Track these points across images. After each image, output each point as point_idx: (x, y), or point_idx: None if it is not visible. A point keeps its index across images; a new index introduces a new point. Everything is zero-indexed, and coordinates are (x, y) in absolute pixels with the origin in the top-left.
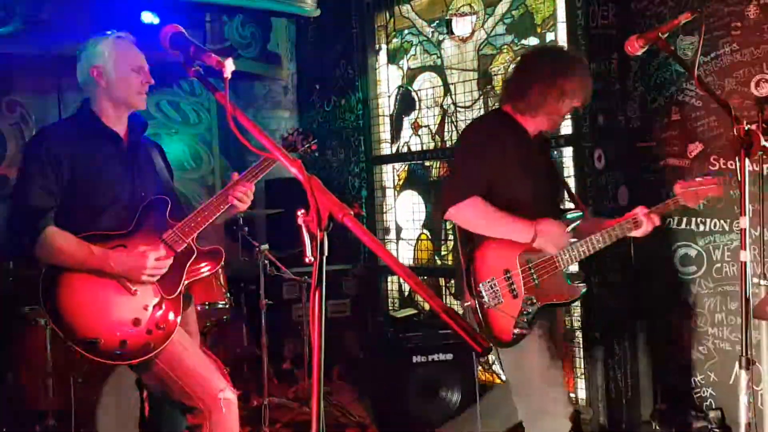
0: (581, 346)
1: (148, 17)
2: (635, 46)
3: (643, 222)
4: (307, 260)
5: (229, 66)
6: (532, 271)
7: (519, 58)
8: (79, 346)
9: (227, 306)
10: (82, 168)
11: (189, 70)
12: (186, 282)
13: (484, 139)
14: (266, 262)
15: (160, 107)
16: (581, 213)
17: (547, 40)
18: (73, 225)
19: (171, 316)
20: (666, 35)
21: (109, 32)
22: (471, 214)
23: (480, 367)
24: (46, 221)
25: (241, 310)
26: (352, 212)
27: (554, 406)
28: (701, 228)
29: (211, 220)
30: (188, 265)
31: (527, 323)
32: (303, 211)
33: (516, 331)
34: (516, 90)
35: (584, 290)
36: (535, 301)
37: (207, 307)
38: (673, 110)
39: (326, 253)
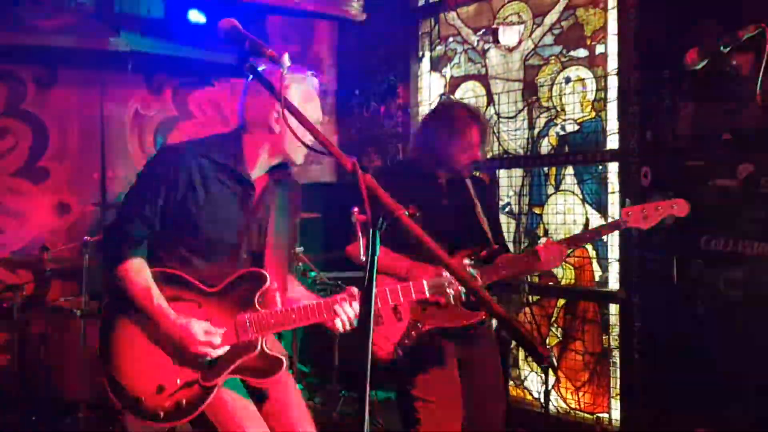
0: (618, 366)
1: (195, 16)
2: (694, 59)
3: (540, 254)
4: (362, 259)
5: (286, 61)
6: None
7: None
8: (105, 378)
9: None
10: (198, 201)
11: (243, 64)
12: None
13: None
14: (300, 265)
15: (200, 106)
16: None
17: (597, 52)
18: (171, 255)
19: (196, 401)
20: (727, 49)
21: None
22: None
23: (511, 383)
24: (135, 250)
25: None
26: (406, 212)
27: None
28: (748, 250)
29: (298, 326)
30: (242, 359)
31: (410, 345)
32: (357, 209)
33: (399, 352)
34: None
35: (482, 318)
36: (420, 324)
37: None
38: (724, 129)
39: (378, 253)
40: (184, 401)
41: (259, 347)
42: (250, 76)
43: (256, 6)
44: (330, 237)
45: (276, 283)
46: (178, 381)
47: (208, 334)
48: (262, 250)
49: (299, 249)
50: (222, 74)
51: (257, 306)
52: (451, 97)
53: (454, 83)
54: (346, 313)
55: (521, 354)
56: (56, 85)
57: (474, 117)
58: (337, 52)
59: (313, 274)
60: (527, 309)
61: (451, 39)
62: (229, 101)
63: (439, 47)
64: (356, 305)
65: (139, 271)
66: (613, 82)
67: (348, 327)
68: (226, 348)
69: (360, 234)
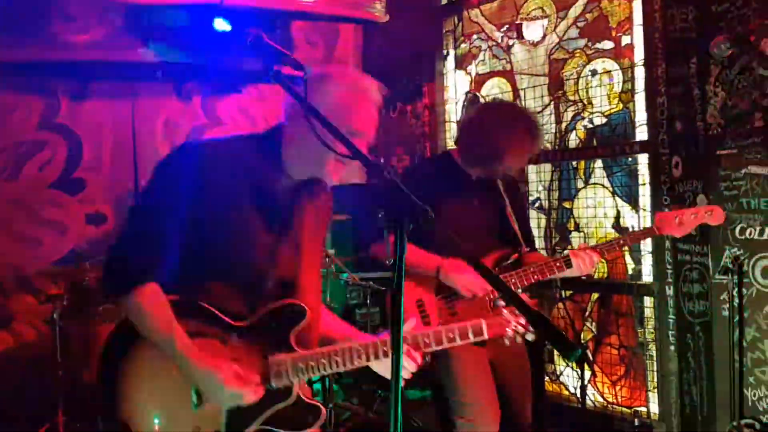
0: (654, 358)
1: (221, 24)
2: (721, 47)
3: (572, 260)
4: (387, 261)
5: (309, 69)
6: (450, 301)
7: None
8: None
9: None
10: (225, 215)
11: (269, 72)
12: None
13: (415, 182)
14: (332, 266)
15: (229, 113)
16: None
17: (623, 43)
18: (187, 282)
19: None
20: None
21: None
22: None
23: (547, 378)
24: (147, 275)
25: None
26: (432, 214)
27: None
28: None
29: (341, 370)
30: (275, 408)
31: (443, 350)
32: (384, 212)
33: (427, 358)
34: (458, 140)
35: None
36: None
37: None
38: (756, 116)
39: (406, 254)
40: None
41: (294, 394)
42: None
43: (279, 12)
44: (360, 238)
45: (313, 314)
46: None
47: (238, 381)
48: (295, 275)
49: (330, 251)
50: (249, 81)
51: (293, 345)
52: (498, 97)
53: (480, 80)
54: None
55: None
56: (88, 98)
57: (531, 126)
58: (361, 54)
59: (345, 275)
60: (560, 304)
61: (475, 36)
62: (257, 107)
63: (463, 45)
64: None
65: (154, 300)
66: (640, 73)
67: (408, 375)
68: (258, 396)
69: (387, 235)
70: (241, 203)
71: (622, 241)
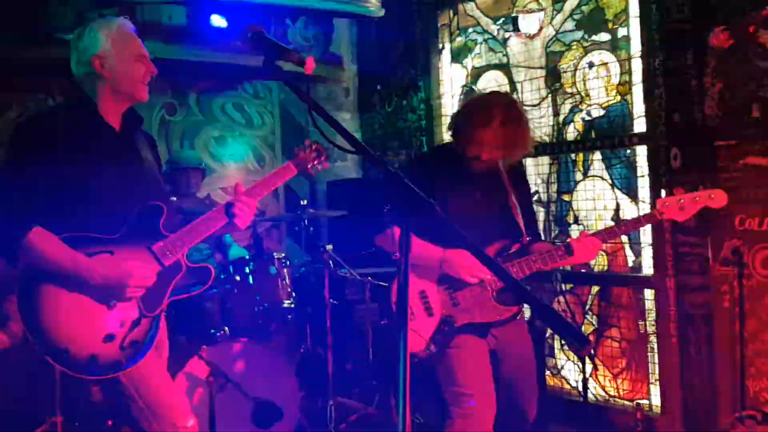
0: (656, 350)
1: (217, 21)
2: (720, 39)
3: (574, 248)
4: (393, 256)
5: (311, 63)
6: (452, 292)
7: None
8: (48, 355)
9: (292, 305)
10: (71, 164)
11: (269, 68)
12: (169, 299)
13: (417, 173)
14: (331, 262)
15: (224, 110)
16: None
17: (620, 35)
18: (57, 224)
19: (148, 334)
20: (753, 27)
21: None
22: (390, 242)
23: (548, 372)
24: (30, 223)
25: (305, 309)
26: (437, 208)
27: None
28: None
29: (207, 235)
30: (174, 281)
31: (445, 340)
32: (389, 206)
33: (431, 348)
34: (452, 129)
35: (515, 312)
36: (453, 319)
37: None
38: (753, 107)
39: (412, 249)
40: (138, 339)
41: (183, 265)
42: None
43: (275, 8)
44: (358, 233)
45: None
46: (122, 324)
47: (132, 269)
48: (146, 198)
49: (329, 246)
50: (245, 77)
51: (165, 233)
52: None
53: (476, 74)
54: (243, 211)
55: (557, 343)
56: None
57: (500, 119)
58: (357, 48)
59: (343, 271)
60: (561, 297)
61: (470, 30)
62: (252, 104)
63: (459, 38)
64: (249, 201)
65: (44, 235)
66: (637, 65)
67: (248, 223)
68: (155, 275)
69: (392, 228)
70: (80, 154)
71: (623, 227)
